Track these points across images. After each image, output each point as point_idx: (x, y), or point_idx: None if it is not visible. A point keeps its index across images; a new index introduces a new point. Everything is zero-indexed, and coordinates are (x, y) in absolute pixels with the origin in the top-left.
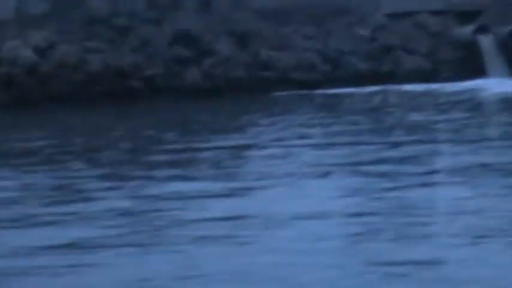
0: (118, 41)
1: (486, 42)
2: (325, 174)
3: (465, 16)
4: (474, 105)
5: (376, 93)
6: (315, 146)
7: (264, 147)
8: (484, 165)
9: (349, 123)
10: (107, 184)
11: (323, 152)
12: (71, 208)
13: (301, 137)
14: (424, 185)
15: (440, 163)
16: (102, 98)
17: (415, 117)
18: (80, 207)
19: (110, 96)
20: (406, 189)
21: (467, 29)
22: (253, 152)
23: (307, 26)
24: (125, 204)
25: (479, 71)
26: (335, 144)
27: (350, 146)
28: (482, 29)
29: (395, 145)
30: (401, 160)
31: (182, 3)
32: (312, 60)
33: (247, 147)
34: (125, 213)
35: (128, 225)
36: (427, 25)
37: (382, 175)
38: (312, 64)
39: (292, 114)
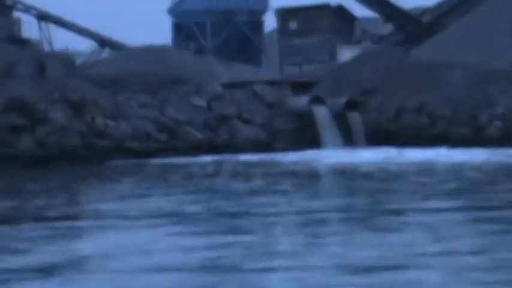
0: None
1: (321, 113)
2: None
3: (300, 87)
4: (305, 175)
5: (211, 163)
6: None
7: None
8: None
9: (166, 192)
10: None
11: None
12: None
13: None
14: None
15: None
16: None
17: (236, 185)
18: None
19: None
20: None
21: (303, 100)
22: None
23: (143, 94)
24: None
25: (314, 142)
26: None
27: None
28: (317, 100)
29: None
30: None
31: (16, 70)
32: (147, 129)
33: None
34: None
35: None
36: (263, 95)
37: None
38: (147, 133)
39: (118, 183)
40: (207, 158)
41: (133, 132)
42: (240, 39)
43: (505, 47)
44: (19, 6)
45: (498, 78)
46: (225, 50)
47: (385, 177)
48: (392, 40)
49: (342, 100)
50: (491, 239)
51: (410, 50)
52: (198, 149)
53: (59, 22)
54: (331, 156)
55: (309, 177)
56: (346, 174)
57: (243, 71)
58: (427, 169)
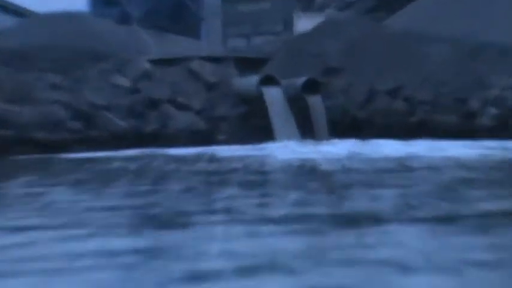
0: None
1: (274, 96)
2: None
3: (248, 64)
4: (250, 174)
5: (136, 157)
6: None
7: None
8: None
9: (65, 191)
10: None
11: None
12: None
13: None
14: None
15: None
16: None
17: (165, 186)
18: None
19: None
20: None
21: (251, 80)
22: None
23: (53, 73)
24: None
25: (265, 133)
26: None
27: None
28: (269, 81)
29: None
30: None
31: None
32: (59, 116)
33: None
34: None
35: None
36: (201, 74)
37: None
38: (58, 120)
39: (13, 181)
40: (132, 152)
41: (42, 120)
42: (174, 5)
43: (497, 16)
44: None
45: (490, 54)
46: (155, 18)
47: (349, 177)
48: (362, 7)
49: (300, 81)
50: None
51: (383, 19)
52: (120, 140)
53: None
54: (286, 150)
55: (254, 177)
56: (301, 174)
57: (177, 44)
58: (402, 166)
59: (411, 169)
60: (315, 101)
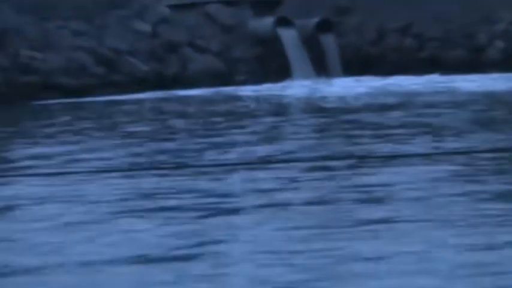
0: None
1: (288, 37)
2: None
3: (263, 6)
4: (272, 111)
5: (159, 99)
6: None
7: None
8: None
9: (94, 137)
10: None
11: None
12: None
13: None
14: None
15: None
16: None
17: (175, 122)
18: None
19: None
20: None
21: (267, 22)
22: None
23: (75, 20)
24: None
25: (281, 71)
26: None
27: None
28: (284, 22)
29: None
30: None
31: None
32: (82, 62)
33: None
34: None
35: None
36: (218, 17)
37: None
38: (82, 66)
39: (40, 128)
40: (154, 94)
41: (66, 66)
42: None
43: None
44: None
45: None
46: None
47: (360, 114)
48: None
49: (314, 21)
50: None
51: None
52: (143, 83)
53: None
54: (302, 88)
55: (263, 115)
56: (313, 111)
57: None
58: (412, 102)
59: (421, 103)
60: (328, 40)
